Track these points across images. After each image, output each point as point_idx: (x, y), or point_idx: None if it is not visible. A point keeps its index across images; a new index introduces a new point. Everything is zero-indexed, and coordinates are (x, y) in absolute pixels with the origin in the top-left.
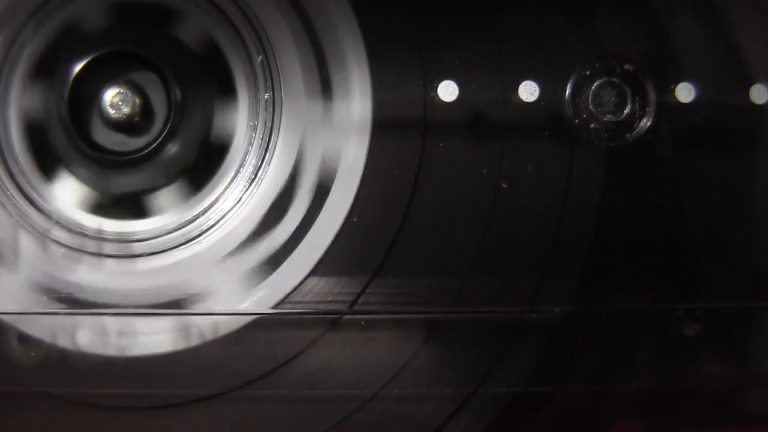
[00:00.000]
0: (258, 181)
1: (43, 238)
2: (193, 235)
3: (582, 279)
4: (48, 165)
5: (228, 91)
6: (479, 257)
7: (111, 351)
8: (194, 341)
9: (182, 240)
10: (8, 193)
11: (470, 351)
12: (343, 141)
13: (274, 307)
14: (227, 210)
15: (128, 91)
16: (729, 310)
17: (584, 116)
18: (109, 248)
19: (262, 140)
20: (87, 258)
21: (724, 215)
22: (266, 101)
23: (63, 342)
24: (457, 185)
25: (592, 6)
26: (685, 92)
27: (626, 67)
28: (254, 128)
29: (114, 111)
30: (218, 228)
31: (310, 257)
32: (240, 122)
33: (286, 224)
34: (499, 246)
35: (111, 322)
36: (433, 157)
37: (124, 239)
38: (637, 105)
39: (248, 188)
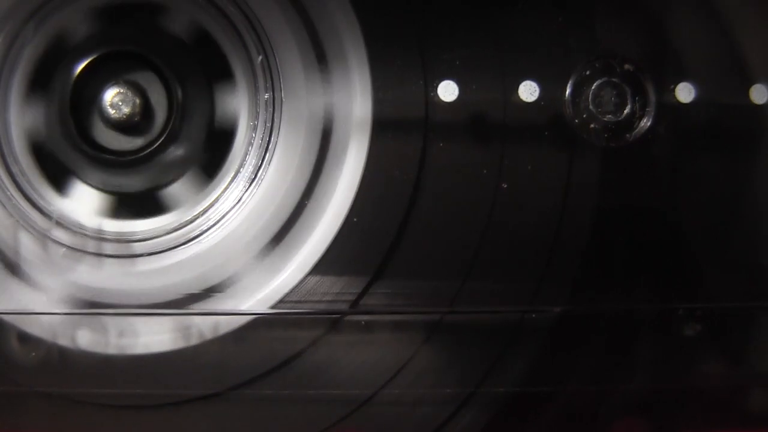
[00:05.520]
0: (258, 181)
1: (43, 238)
2: (193, 235)
3: (582, 279)
4: (48, 165)
5: (228, 91)
6: (479, 257)
7: (111, 350)
8: (194, 340)
9: (182, 240)
10: (8, 193)
11: (470, 351)
12: (343, 141)
13: (274, 307)
14: (227, 210)
15: (128, 91)
16: (729, 310)
17: (584, 116)
18: (109, 248)
19: (262, 140)
20: (87, 258)
21: (724, 215)
22: (266, 101)
23: (63, 342)
24: (457, 185)
25: (592, 6)
26: (685, 92)
27: (626, 67)
28: (254, 128)
29: (114, 111)
30: (218, 228)
31: (310, 257)
32: (240, 122)
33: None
34: (499, 246)
35: (111, 322)
36: (433, 157)
37: (124, 239)
38: (637, 105)
39: (248, 188)
